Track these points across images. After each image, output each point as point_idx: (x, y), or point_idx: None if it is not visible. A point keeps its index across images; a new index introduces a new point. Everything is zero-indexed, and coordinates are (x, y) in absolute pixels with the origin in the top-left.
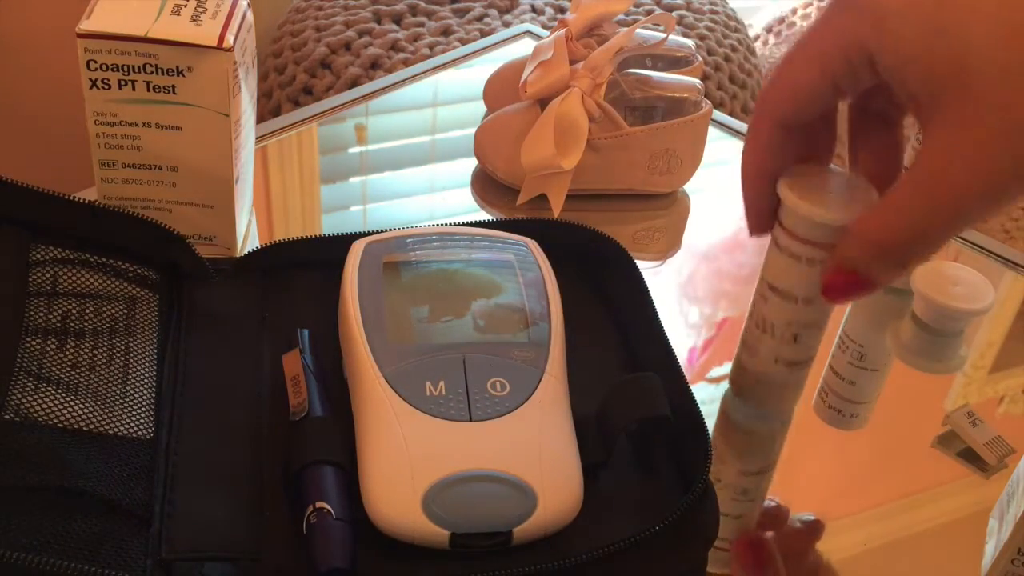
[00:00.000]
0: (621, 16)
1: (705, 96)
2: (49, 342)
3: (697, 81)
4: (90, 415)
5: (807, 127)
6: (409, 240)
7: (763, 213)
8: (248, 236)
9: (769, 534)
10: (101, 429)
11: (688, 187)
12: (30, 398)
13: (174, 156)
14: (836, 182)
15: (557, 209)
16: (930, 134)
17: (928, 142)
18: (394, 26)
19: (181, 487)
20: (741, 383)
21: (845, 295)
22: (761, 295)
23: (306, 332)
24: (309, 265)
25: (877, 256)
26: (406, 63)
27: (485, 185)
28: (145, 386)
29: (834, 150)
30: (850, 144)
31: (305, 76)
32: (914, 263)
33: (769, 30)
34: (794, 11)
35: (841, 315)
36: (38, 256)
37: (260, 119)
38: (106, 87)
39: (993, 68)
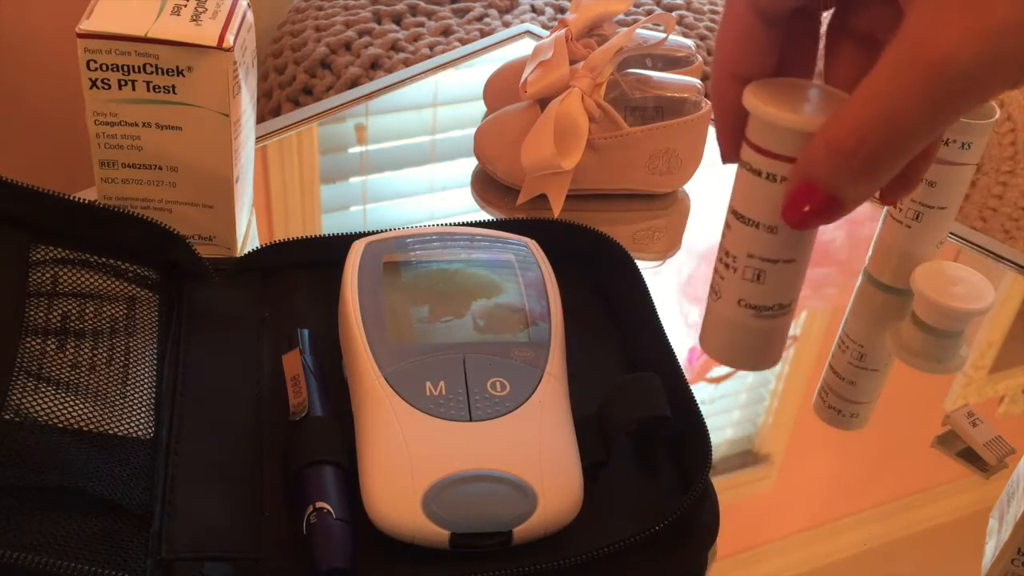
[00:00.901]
0: (621, 16)
1: (705, 96)
2: (49, 342)
3: (697, 81)
4: (90, 415)
5: (786, 26)
6: (409, 240)
7: (734, 129)
8: (248, 236)
9: None
10: (101, 429)
11: (688, 187)
12: (30, 398)
13: (174, 156)
14: (810, 92)
15: (557, 209)
16: (912, 3)
17: (910, 13)
18: (394, 26)
19: (181, 487)
20: (705, 331)
21: (806, 216)
22: (726, 224)
23: (306, 332)
24: (309, 265)
25: (843, 161)
26: (406, 63)
27: (485, 185)
28: (145, 386)
29: (814, 67)
30: (826, 70)
31: (305, 76)
32: (888, 170)
33: None
34: None
35: (840, 316)
36: (38, 256)
37: (260, 119)
38: (106, 87)
39: None
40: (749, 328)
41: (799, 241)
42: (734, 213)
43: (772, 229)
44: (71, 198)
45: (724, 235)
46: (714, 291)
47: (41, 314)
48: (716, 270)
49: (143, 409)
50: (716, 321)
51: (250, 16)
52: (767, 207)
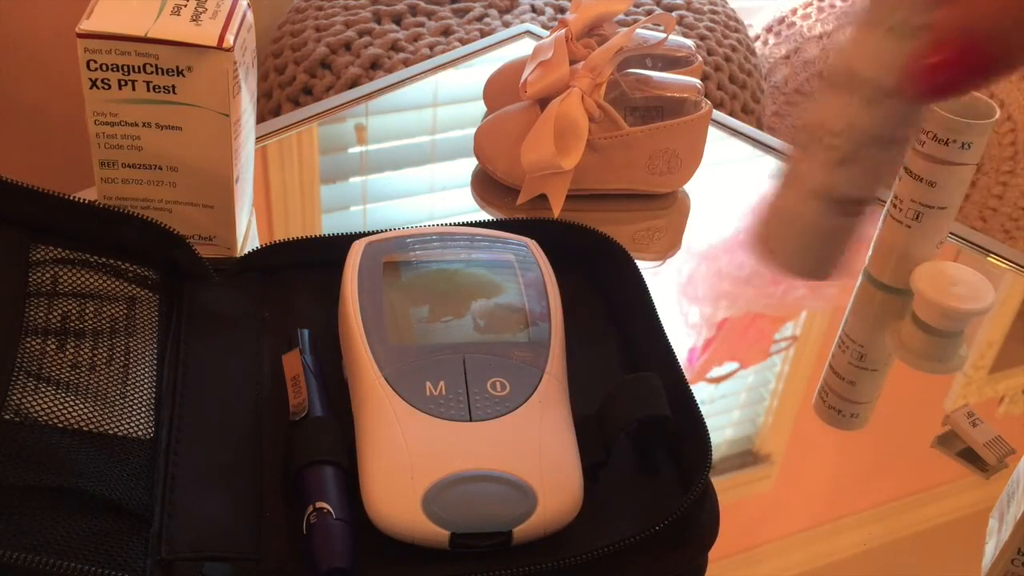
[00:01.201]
0: (621, 16)
1: (705, 96)
2: (49, 342)
3: (697, 81)
4: (90, 415)
5: None
6: (409, 240)
7: None
8: (248, 236)
9: None
10: (101, 429)
11: (688, 187)
12: (30, 398)
13: (174, 156)
14: None
15: (557, 209)
16: None
17: None
18: (394, 26)
19: (181, 487)
20: (760, 229)
21: (950, 78)
22: (810, 97)
23: (306, 332)
24: (309, 265)
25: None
26: (406, 63)
27: (485, 185)
28: (145, 386)
29: None
30: None
31: (305, 76)
32: None
33: (769, 30)
34: (794, 11)
35: (840, 316)
36: (38, 256)
37: (260, 119)
38: (106, 87)
39: None
40: (819, 225)
41: (905, 119)
42: (831, 75)
43: (875, 99)
44: (71, 198)
45: (806, 109)
46: (779, 179)
47: (41, 314)
48: (789, 157)
49: (143, 409)
50: (778, 215)
51: (250, 16)
52: (883, 65)
